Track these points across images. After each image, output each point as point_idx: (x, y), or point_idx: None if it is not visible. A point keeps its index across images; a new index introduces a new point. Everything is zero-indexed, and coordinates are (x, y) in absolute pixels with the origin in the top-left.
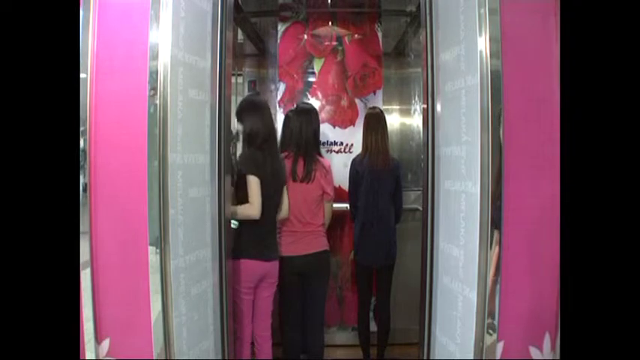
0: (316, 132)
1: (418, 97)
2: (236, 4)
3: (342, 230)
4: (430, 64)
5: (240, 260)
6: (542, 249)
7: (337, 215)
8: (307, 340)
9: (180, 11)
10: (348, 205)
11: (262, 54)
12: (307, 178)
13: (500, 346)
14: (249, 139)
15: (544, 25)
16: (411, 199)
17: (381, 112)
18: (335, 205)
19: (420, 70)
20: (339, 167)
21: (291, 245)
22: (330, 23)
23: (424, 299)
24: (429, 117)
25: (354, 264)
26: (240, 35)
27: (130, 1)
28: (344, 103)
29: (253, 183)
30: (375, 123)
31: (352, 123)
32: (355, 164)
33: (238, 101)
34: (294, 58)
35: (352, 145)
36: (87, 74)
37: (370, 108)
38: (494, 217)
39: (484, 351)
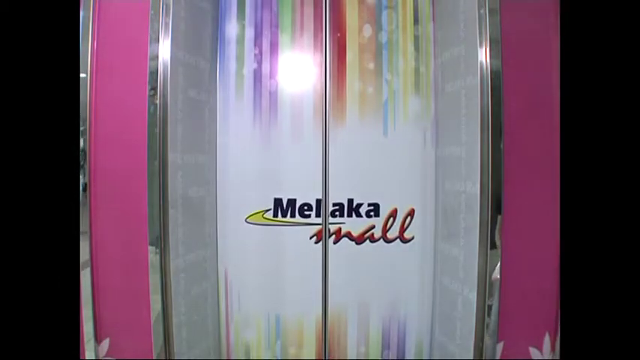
0: None
1: None
2: None
3: None
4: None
5: None
6: (542, 249)
7: None
8: None
9: (180, 11)
10: None
11: None
12: None
13: (500, 346)
14: None
15: (544, 25)
16: None
17: None
18: None
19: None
20: None
21: None
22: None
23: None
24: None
25: None
26: None
27: (130, 1)
28: None
29: None
30: None
31: None
32: None
33: None
34: None
35: None
36: (87, 74)
37: None
38: (494, 217)
39: (484, 351)
